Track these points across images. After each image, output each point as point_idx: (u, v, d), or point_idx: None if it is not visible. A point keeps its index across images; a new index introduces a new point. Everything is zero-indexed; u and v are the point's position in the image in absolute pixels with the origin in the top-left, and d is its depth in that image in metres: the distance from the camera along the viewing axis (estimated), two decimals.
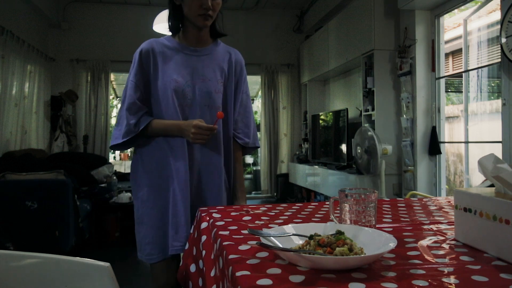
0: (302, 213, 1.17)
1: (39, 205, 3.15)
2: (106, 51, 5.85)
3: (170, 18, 1.55)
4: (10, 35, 4.31)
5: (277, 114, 6.35)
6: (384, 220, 1.07)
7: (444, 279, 0.64)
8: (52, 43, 5.74)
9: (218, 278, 0.87)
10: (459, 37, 4.40)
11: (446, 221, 1.05)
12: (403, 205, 1.29)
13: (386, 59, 3.92)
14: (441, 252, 0.78)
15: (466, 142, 3.46)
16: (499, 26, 2.75)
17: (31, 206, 3.14)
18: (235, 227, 0.98)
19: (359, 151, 3.79)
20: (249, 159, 8.32)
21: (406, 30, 3.71)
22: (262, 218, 1.10)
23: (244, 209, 1.22)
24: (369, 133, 3.66)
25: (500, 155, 2.79)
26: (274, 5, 6.19)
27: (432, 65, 3.63)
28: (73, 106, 5.76)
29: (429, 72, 3.65)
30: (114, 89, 9.76)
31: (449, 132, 4.03)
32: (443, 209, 1.21)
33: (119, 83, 9.73)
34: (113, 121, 9.84)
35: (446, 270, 0.69)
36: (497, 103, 3.64)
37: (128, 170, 7.73)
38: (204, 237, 1.07)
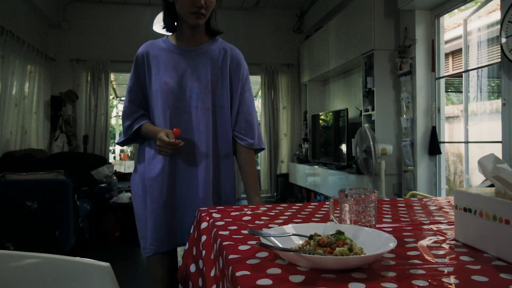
0: (302, 213, 1.17)
1: (39, 205, 3.15)
2: (106, 51, 5.85)
3: (164, 17, 1.54)
4: (10, 35, 4.31)
5: (277, 114, 6.35)
6: (384, 220, 1.07)
7: (444, 279, 0.64)
8: (52, 43, 5.74)
9: (218, 278, 0.87)
10: (459, 37, 4.40)
11: (446, 221, 1.05)
12: (403, 205, 1.29)
13: (386, 59, 3.93)
14: (441, 252, 0.78)
15: (466, 142, 3.46)
16: (499, 26, 2.75)
17: (31, 206, 3.14)
18: (235, 227, 0.98)
19: (358, 151, 3.79)
20: None
21: (406, 30, 3.71)
22: (262, 218, 1.10)
23: (244, 209, 1.22)
24: (368, 133, 3.66)
25: (500, 155, 2.80)
26: (274, 5, 6.19)
27: (432, 65, 3.63)
28: (73, 106, 5.76)
29: (429, 72, 3.65)
30: (114, 89, 9.76)
31: (449, 132, 4.03)
32: (443, 209, 1.21)
33: (119, 83, 9.73)
34: (113, 121, 9.84)
35: (446, 270, 0.69)
36: (497, 103, 3.64)
37: (128, 170, 7.74)
38: (204, 237, 1.07)
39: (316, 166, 5.12)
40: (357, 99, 4.76)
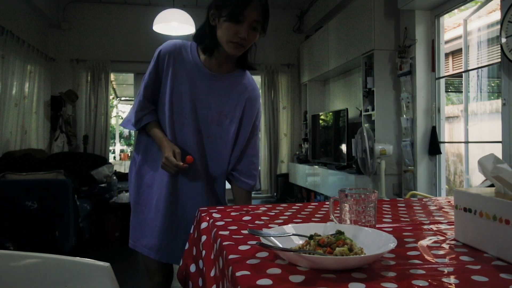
0: (302, 213, 1.17)
1: (39, 205, 3.15)
2: (106, 51, 5.85)
3: (202, 36, 1.46)
4: (10, 35, 4.31)
5: (277, 114, 6.35)
6: (384, 220, 1.07)
7: (444, 279, 0.64)
8: (52, 43, 5.74)
9: (218, 278, 0.87)
10: (459, 37, 4.40)
11: (446, 221, 1.05)
12: (403, 205, 1.29)
13: (386, 59, 3.93)
14: (441, 252, 0.78)
15: (466, 142, 3.46)
16: (499, 26, 2.75)
17: (31, 206, 3.14)
18: (235, 227, 0.98)
19: (358, 151, 3.79)
20: None
21: (406, 30, 3.71)
22: (262, 218, 1.10)
23: (244, 209, 1.22)
24: (365, 133, 3.66)
25: (500, 155, 2.80)
26: (274, 5, 6.19)
27: (432, 65, 3.63)
28: (73, 106, 5.76)
29: (429, 72, 3.65)
30: (114, 89, 9.77)
31: (449, 132, 4.03)
32: (443, 209, 1.21)
33: (119, 83, 9.73)
34: (113, 121, 9.84)
35: (446, 270, 0.69)
36: (497, 103, 3.64)
37: (128, 170, 7.67)
38: (204, 237, 1.07)
39: (316, 166, 5.12)
40: (357, 99, 4.76)
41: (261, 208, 1.23)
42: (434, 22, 3.64)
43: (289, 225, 0.88)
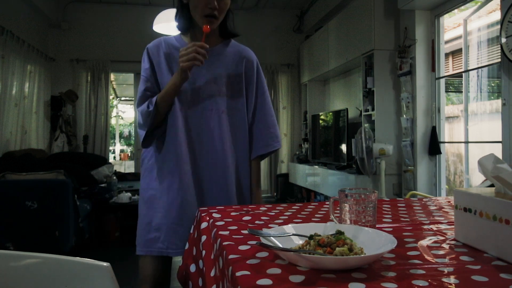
0: (302, 213, 1.17)
1: (39, 205, 3.15)
2: (106, 51, 5.85)
3: (178, 17, 1.50)
4: (10, 35, 4.31)
5: (277, 114, 6.35)
6: (384, 220, 1.07)
7: (444, 279, 0.64)
8: (52, 43, 5.74)
9: (218, 278, 0.87)
10: (459, 37, 4.40)
11: (446, 221, 1.05)
12: (403, 205, 1.29)
13: (386, 59, 3.93)
14: (441, 252, 0.78)
15: (466, 142, 3.46)
16: (499, 26, 2.75)
17: (31, 206, 3.14)
18: (235, 227, 0.98)
19: (358, 151, 3.79)
20: None
21: (406, 30, 3.71)
22: (262, 218, 1.10)
23: (244, 209, 1.22)
24: (367, 133, 3.66)
25: (500, 155, 2.80)
26: (274, 5, 6.19)
27: (432, 65, 3.63)
28: (73, 106, 5.76)
29: (429, 72, 3.65)
30: (114, 89, 9.77)
31: (449, 132, 4.03)
32: (443, 209, 1.21)
33: (119, 83, 9.73)
34: (113, 121, 9.84)
35: (446, 270, 0.69)
36: (497, 103, 3.64)
37: (128, 170, 7.72)
38: (204, 237, 1.07)
39: (316, 166, 5.12)
40: (357, 99, 4.76)
41: (261, 208, 1.23)
42: (434, 22, 3.64)
43: (289, 225, 0.88)
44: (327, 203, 1.31)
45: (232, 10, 1.50)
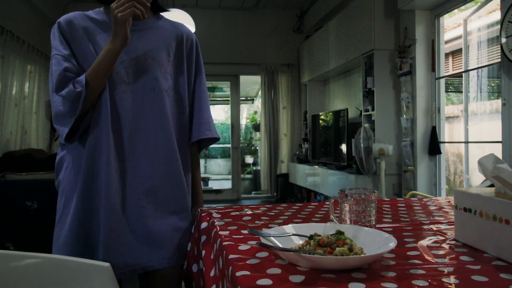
0: (302, 213, 1.17)
1: (39, 205, 3.14)
2: None
3: None
4: (10, 35, 4.31)
5: (277, 114, 6.35)
6: (384, 220, 1.07)
7: (444, 279, 0.64)
8: None
9: (217, 278, 0.87)
10: (459, 37, 4.40)
11: (446, 221, 1.05)
12: (403, 205, 1.29)
13: (386, 59, 3.93)
14: (441, 252, 0.78)
15: (466, 142, 3.46)
16: (499, 26, 2.75)
17: (31, 206, 3.13)
18: (235, 227, 0.98)
19: (358, 151, 3.79)
20: (249, 159, 8.33)
21: (406, 30, 3.71)
22: (262, 218, 1.10)
23: (244, 209, 1.22)
24: (367, 133, 3.66)
25: (500, 155, 2.80)
26: (274, 5, 6.19)
27: (432, 65, 3.63)
28: None
29: (429, 72, 3.65)
30: None
31: (449, 132, 4.03)
32: (443, 209, 1.21)
33: None
34: None
35: (446, 270, 0.69)
36: (497, 103, 3.63)
37: None
38: (203, 237, 1.07)
39: (316, 166, 5.12)
40: (357, 99, 4.76)
41: (261, 208, 1.23)
42: (434, 22, 3.64)
43: (289, 225, 0.88)
44: (327, 203, 1.31)
45: None
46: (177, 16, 3.82)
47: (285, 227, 0.87)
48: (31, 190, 3.18)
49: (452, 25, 4.68)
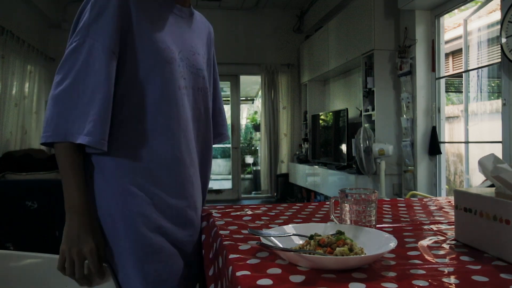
0: (302, 213, 1.17)
1: (39, 205, 3.14)
2: None
3: None
4: (10, 35, 4.31)
5: (277, 114, 6.35)
6: (384, 220, 1.07)
7: (444, 279, 0.64)
8: (52, 43, 5.74)
9: (216, 277, 0.87)
10: (459, 37, 4.40)
11: (446, 221, 1.05)
12: (403, 205, 1.28)
13: (386, 59, 3.93)
14: (441, 252, 0.78)
15: (466, 142, 3.46)
16: (499, 26, 2.75)
17: (31, 206, 3.13)
18: (235, 227, 0.98)
19: (358, 151, 3.79)
20: (249, 159, 8.33)
21: (406, 30, 3.71)
22: (262, 218, 1.10)
23: (244, 209, 1.22)
24: (367, 133, 3.66)
25: (500, 155, 2.80)
26: (274, 5, 6.19)
27: (432, 65, 3.63)
28: None
29: (429, 72, 3.65)
30: None
31: (449, 132, 4.03)
32: (443, 209, 1.21)
33: None
34: None
35: (446, 270, 0.69)
36: (497, 103, 3.63)
37: None
38: (203, 236, 1.07)
39: (316, 166, 5.12)
40: (357, 99, 4.76)
41: (261, 208, 1.23)
42: (434, 22, 3.64)
43: (289, 225, 0.88)
44: (327, 203, 1.31)
45: None
46: None
47: (285, 227, 0.87)
48: (31, 190, 3.18)
49: (452, 25, 4.68)
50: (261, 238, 0.79)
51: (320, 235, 0.76)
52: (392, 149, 3.64)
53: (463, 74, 3.57)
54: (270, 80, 6.31)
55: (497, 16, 3.10)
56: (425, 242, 0.85)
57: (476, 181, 3.41)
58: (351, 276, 0.65)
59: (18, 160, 3.88)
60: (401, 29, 3.78)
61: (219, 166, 9.19)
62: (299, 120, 6.39)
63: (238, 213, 1.16)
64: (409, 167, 3.71)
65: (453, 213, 1.00)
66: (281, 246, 0.77)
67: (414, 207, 1.25)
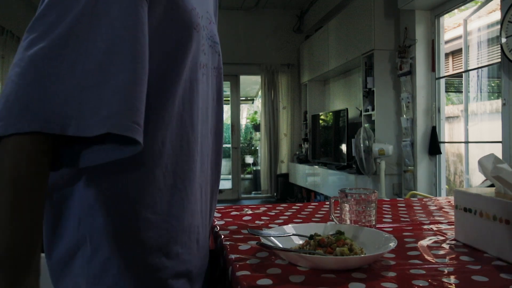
0: (302, 213, 1.17)
1: None
2: None
3: None
4: (10, 35, 4.31)
5: (277, 114, 6.35)
6: (384, 220, 1.07)
7: (444, 279, 0.64)
8: None
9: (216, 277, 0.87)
10: (459, 37, 4.40)
11: (446, 221, 1.05)
12: (403, 205, 1.28)
13: (386, 59, 3.93)
14: (441, 252, 0.78)
15: (466, 142, 3.46)
16: (499, 26, 2.75)
17: None
18: (235, 227, 0.98)
19: (358, 151, 3.79)
20: (249, 159, 8.33)
21: (406, 30, 3.71)
22: (262, 218, 1.10)
23: (244, 209, 1.22)
24: (367, 133, 3.66)
25: (500, 155, 2.80)
26: (274, 5, 6.19)
27: (432, 65, 3.63)
28: None
29: (429, 72, 3.65)
30: None
31: (449, 132, 4.03)
32: (443, 209, 1.21)
33: None
34: None
35: (446, 270, 0.69)
36: (497, 103, 3.64)
37: None
38: None
39: (316, 166, 5.12)
40: (357, 99, 4.76)
41: (261, 208, 1.23)
42: (434, 22, 3.64)
43: (289, 225, 0.87)
44: (327, 203, 1.31)
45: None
46: None
47: (285, 227, 0.87)
48: None
49: (452, 25, 4.68)
50: (261, 238, 0.79)
51: (320, 235, 0.76)
52: (392, 149, 3.64)
53: (463, 74, 3.57)
54: (270, 80, 6.31)
55: (497, 16, 3.10)
56: (425, 242, 0.85)
57: (476, 181, 3.41)
58: (351, 276, 0.65)
59: None
60: (401, 29, 3.78)
61: None
62: (299, 120, 6.39)
63: (238, 213, 1.16)
64: (409, 167, 3.71)
65: (453, 213, 1.00)
66: (281, 246, 0.77)
67: (414, 207, 1.25)
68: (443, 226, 0.99)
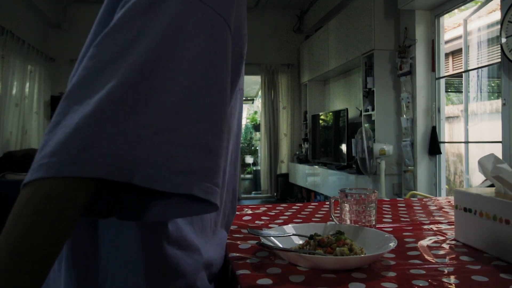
0: (302, 213, 1.17)
1: None
2: None
3: None
4: (10, 35, 4.31)
5: (277, 114, 6.35)
6: (384, 220, 1.07)
7: (444, 279, 0.64)
8: (52, 43, 5.74)
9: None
10: (459, 37, 4.40)
11: (446, 221, 1.05)
12: (403, 205, 1.28)
13: (386, 59, 3.93)
14: (441, 252, 0.78)
15: (466, 142, 3.46)
16: (499, 26, 2.75)
17: None
18: (235, 227, 0.98)
19: (358, 151, 3.79)
20: (249, 159, 8.33)
21: (406, 30, 3.71)
22: (262, 218, 1.10)
23: (244, 209, 1.22)
24: (367, 133, 3.66)
25: (500, 155, 2.80)
26: (274, 5, 6.19)
27: (432, 65, 3.63)
28: None
29: (429, 72, 3.65)
30: None
31: (449, 132, 4.03)
32: (443, 209, 1.21)
33: None
34: None
35: (446, 270, 0.69)
36: (497, 103, 3.64)
37: None
38: None
39: (316, 166, 5.12)
40: (357, 99, 4.76)
41: (261, 208, 1.23)
42: (434, 22, 3.64)
43: (289, 225, 0.87)
44: (327, 203, 1.31)
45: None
46: None
47: (285, 227, 0.87)
48: None
49: (452, 25, 4.68)
50: (261, 238, 0.79)
51: (320, 235, 0.76)
52: (392, 149, 3.64)
53: (463, 74, 3.57)
54: (270, 80, 6.31)
55: (497, 16, 3.10)
56: (425, 242, 0.85)
57: (476, 181, 3.41)
58: (351, 276, 0.65)
59: (18, 160, 3.88)
60: (401, 29, 3.78)
61: None
62: (299, 120, 6.39)
63: (238, 213, 1.16)
64: (409, 167, 3.71)
65: (453, 213, 1.00)
66: (281, 246, 0.77)
67: (414, 207, 1.25)
68: (443, 226, 0.99)
